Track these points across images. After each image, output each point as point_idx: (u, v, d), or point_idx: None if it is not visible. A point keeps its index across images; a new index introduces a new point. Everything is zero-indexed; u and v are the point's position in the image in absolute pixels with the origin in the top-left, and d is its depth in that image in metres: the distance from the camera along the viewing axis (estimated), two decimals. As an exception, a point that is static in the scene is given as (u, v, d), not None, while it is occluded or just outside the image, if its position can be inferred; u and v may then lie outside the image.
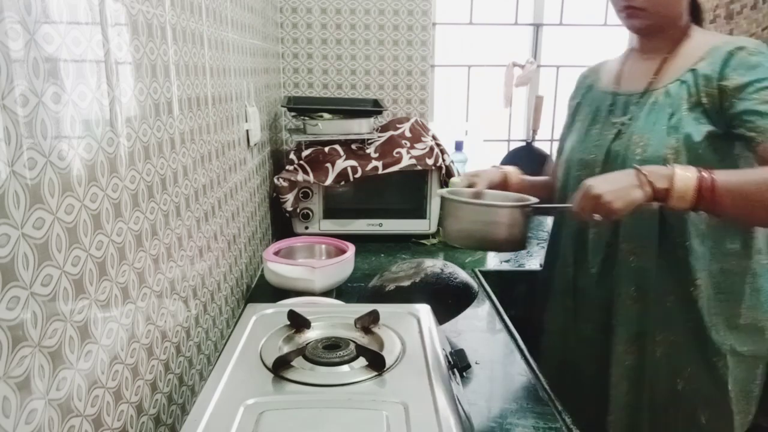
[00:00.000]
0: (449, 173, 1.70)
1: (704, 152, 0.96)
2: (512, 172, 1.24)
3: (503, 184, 1.22)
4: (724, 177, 0.87)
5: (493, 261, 1.61)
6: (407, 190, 1.72)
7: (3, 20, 0.40)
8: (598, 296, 1.12)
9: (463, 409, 0.74)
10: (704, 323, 1.02)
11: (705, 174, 0.87)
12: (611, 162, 1.06)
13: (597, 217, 0.92)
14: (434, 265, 1.14)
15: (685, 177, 0.87)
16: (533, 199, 1.08)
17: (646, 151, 1.00)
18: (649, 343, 1.06)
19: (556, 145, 2.30)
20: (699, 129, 0.96)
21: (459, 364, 0.93)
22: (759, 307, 1.03)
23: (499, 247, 1.10)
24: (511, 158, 2.22)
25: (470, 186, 1.18)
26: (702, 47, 1.00)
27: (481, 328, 1.20)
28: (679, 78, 1.01)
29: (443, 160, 1.66)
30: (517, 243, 1.04)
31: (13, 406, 0.41)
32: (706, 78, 0.96)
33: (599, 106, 1.14)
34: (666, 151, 0.98)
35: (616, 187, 0.89)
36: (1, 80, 0.39)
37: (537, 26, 2.19)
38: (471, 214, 1.01)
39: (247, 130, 1.28)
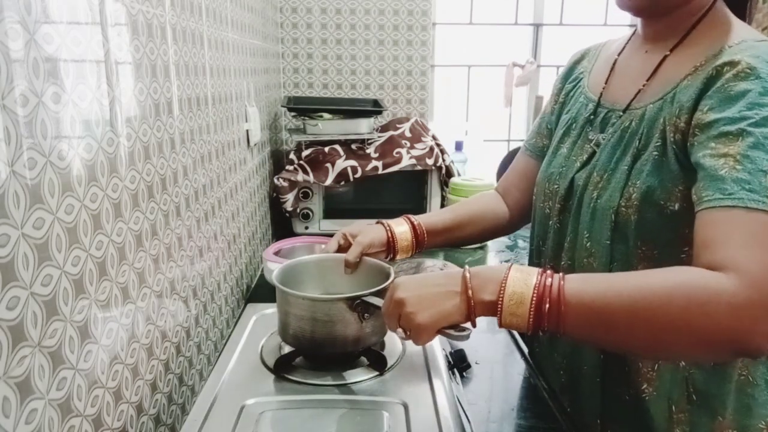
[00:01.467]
0: (449, 173, 1.70)
1: (674, 214, 0.67)
2: (401, 231, 0.92)
3: (390, 246, 0.91)
4: (579, 287, 0.58)
5: (494, 261, 1.61)
6: (407, 190, 1.72)
7: (3, 20, 0.40)
8: (552, 364, 0.91)
9: (463, 409, 0.74)
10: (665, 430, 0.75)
11: (550, 282, 0.59)
12: (572, 197, 0.81)
13: (400, 332, 0.66)
14: (434, 264, 1.14)
15: (520, 285, 0.60)
16: (390, 279, 0.75)
17: (601, 197, 0.75)
18: None
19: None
20: (664, 184, 0.68)
21: (459, 364, 0.94)
22: (749, 419, 0.73)
23: (326, 348, 0.74)
24: (511, 158, 2.22)
25: (341, 250, 0.88)
26: (709, 48, 0.69)
27: (481, 328, 1.20)
28: (663, 95, 0.72)
29: (443, 160, 1.66)
30: (348, 343, 0.73)
31: (13, 406, 0.41)
32: (679, 104, 0.68)
33: (577, 115, 0.87)
34: (620, 202, 0.72)
35: (425, 293, 0.63)
36: (1, 80, 0.39)
37: (537, 26, 2.19)
38: (295, 308, 0.73)
39: (247, 130, 1.28)
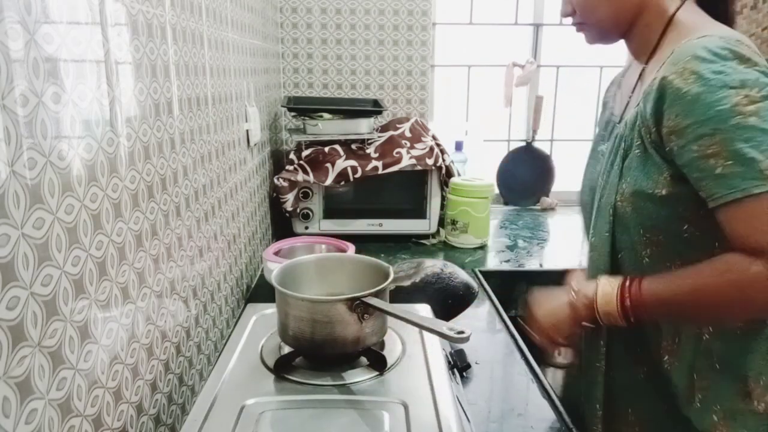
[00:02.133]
0: (449, 173, 1.70)
1: (664, 198, 0.74)
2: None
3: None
4: (653, 286, 0.74)
5: (494, 261, 1.61)
6: (407, 190, 1.72)
7: (3, 20, 0.40)
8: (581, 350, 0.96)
9: (463, 409, 0.74)
10: (687, 406, 0.79)
11: (629, 285, 0.75)
12: (593, 204, 0.88)
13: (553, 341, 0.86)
14: (434, 265, 1.14)
15: (608, 289, 0.77)
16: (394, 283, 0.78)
17: (602, 197, 0.83)
18: (623, 424, 0.87)
19: (556, 145, 2.31)
20: (650, 175, 0.75)
21: (459, 364, 0.94)
22: None
23: (326, 349, 0.73)
24: (511, 158, 2.22)
25: None
26: (666, 55, 0.75)
27: (481, 328, 1.20)
28: (639, 102, 0.78)
29: (443, 160, 1.66)
30: (348, 344, 0.72)
31: (13, 406, 0.41)
32: (646, 111, 0.75)
33: (601, 130, 0.95)
34: (616, 197, 0.80)
35: (549, 308, 0.86)
36: (1, 80, 0.39)
37: (537, 26, 2.18)
38: (294, 309, 0.73)
39: (247, 130, 1.28)
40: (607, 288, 0.77)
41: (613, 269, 0.83)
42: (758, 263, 0.65)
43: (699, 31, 0.74)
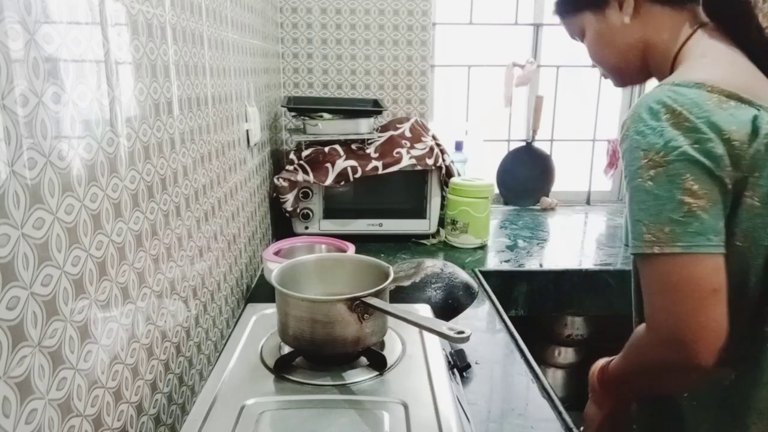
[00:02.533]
0: (449, 173, 1.70)
1: None
2: None
3: None
4: (614, 366, 0.82)
5: (494, 261, 1.61)
6: (407, 190, 1.72)
7: (3, 20, 0.40)
8: None
9: (463, 409, 0.74)
10: None
11: (601, 368, 0.85)
12: None
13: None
14: (434, 265, 1.14)
15: (594, 367, 0.86)
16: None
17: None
18: None
19: (556, 145, 2.31)
20: None
21: (459, 364, 0.94)
22: None
23: (326, 349, 0.73)
24: (511, 158, 2.22)
25: None
26: None
27: (481, 328, 1.20)
28: None
29: (443, 160, 1.66)
30: (348, 344, 0.72)
31: (13, 406, 0.41)
32: None
33: None
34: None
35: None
36: (1, 80, 0.39)
37: (537, 26, 2.18)
38: (294, 309, 0.72)
39: (247, 130, 1.28)
40: (593, 374, 0.86)
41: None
42: (649, 336, 0.70)
43: (682, 70, 0.74)
